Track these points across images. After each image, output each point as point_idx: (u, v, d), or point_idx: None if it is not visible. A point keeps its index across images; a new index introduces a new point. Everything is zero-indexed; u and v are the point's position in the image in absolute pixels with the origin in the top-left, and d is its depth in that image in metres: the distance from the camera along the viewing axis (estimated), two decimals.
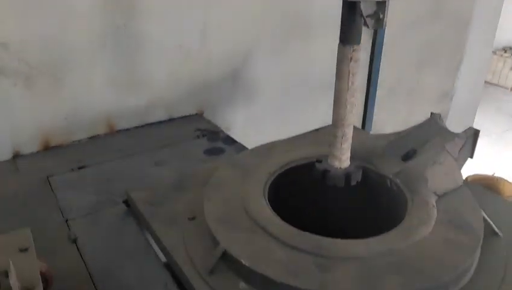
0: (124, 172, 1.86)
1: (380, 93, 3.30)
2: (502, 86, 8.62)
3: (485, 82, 5.00)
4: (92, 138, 2.16)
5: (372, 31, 3.08)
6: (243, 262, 1.17)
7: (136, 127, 2.27)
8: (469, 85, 4.01)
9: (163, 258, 1.37)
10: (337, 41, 1.36)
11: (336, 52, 1.37)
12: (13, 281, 0.89)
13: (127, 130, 2.25)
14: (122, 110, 2.21)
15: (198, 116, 2.45)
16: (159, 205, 1.51)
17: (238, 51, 2.50)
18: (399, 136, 1.70)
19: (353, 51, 1.34)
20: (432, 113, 1.71)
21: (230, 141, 2.15)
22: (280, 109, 2.77)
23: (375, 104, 3.33)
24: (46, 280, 1.14)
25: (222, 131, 2.27)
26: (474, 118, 4.31)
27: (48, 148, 2.04)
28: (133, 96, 2.22)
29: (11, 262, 0.89)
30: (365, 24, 1.27)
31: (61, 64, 1.98)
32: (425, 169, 1.48)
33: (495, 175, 3.89)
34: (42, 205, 1.63)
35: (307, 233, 1.26)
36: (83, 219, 1.55)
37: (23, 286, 0.93)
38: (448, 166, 1.50)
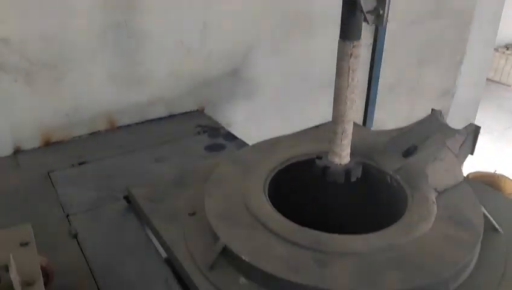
0: (124, 168, 1.87)
1: (381, 91, 3.29)
2: (503, 84, 8.60)
3: (487, 79, 4.99)
4: (92, 134, 2.16)
5: (374, 28, 3.08)
6: (243, 258, 1.17)
7: (137, 124, 2.27)
8: (470, 82, 4.00)
9: (163, 254, 1.37)
10: (337, 38, 1.36)
11: (336, 50, 1.37)
12: (13, 275, 0.89)
13: (128, 126, 2.25)
14: (123, 106, 2.21)
15: (199, 112, 2.45)
16: (160, 201, 1.51)
17: (239, 48, 2.50)
18: (400, 132, 1.70)
19: (353, 47, 1.34)
20: (432, 110, 1.71)
21: (231, 137, 2.16)
22: (280, 106, 2.77)
23: (376, 101, 3.33)
24: (46, 274, 1.14)
25: (223, 127, 2.27)
26: (476, 115, 4.31)
27: (48, 144, 2.05)
28: (134, 93, 2.23)
29: (11, 256, 0.90)
30: (365, 20, 1.27)
31: (62, 61, 1.98)
32: (426, 165, 1.48)
33: (496, 172, 3.89)
34: (43, 200, 1.64)
35: (306, 229, 1.26)
36: (84, 215, 1.56)
37: (23, 280, 0.94)
38: (448, 162, 1.50)
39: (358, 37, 1.34)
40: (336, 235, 1.24)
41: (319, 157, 1.53)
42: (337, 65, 1.39)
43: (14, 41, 1.84)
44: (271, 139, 1.78)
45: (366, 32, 3.04)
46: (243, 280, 1.18)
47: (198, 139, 2.15)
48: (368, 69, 3.20)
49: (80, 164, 1.89)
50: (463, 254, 1.18)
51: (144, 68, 2.21)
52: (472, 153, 1.65)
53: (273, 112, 2.74)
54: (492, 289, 1.15)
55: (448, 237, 1.24)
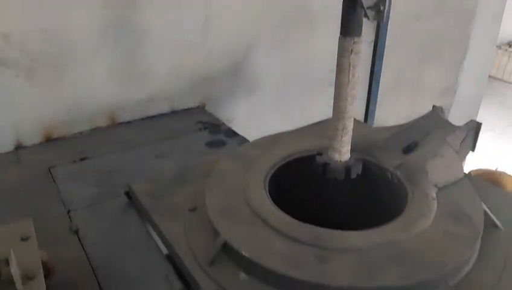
0: (125, 164, 1.87)
1: (382, 87, 3.29)
2: (506, 81, 8.57)
3: (489, 77, 4.98)
4: (93, 130, 2.16)
5: (375, 25, 3.07)
6: (243, 253, 1.18)
7: (138, 120, 2.28)
8: (473, 79, 3.99)
9: (164, 251, 1.37)
10: (339, 34, 1.36)
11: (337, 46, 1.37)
12: (14, 269, 0.90)
13: (129, 122, 2.25)
14: (124, 102, 2.21)
15: (200, 109, 2.45)
16: (160, 197, 1.51)
17: (240, 44, 2.50)
18: (400, 128, 1.70)
19: (354, 43, 1.34)
20: (433, 106, 1.71)
21: (232, 133, 2.16)
22: (281, 102, 2.77)
23: (378, 99, 3.33)
24: (47, 269, 1.15)
25: (224, 124, 2.27)
26: (478, 112, 4.30)
27: (49, 140, 2.05)
28: (135, 89, 2.23)
29: (11, 250, 0.90)
30: (366, 16, 1.26)
31: (63, 57, 1.98)
32: (426, 162, 1.47)
33: (498, 170, 3.89)
34: (44, 196, 1.64)
35: (307, 225, 1.26)
36: (85, 211, 1.56)
37: (24, 274, 0.94)
38: (449, 158, 1.50)
39: (359, 33, 1.34)
40: (336, 231, 1.24)
41: (319, 154, 1.53)
42: (337, 61, 1.38)
43: (15, 36, 1.84)
44: (272, 135, 1.78)
45: (368, 29, 3.04)
46: (243, 275, 1.18)
47: (199, 135, 2.15)
48: (369, 66, 3.19)
49: (81, 160, 1.89)
50: (463, 250, 1.18)
51: (145, 64, 2.21)
52: (473, 150, 1.65)
53: (274, 109, 2.74)
54: (492, 285, 1.15)
55: (448, 233, 1.24)
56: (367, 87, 3.25)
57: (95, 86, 2.11)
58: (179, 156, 1.94)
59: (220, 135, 2.15)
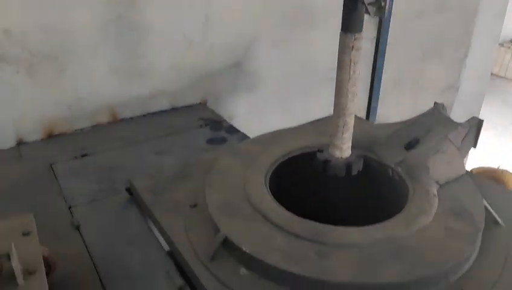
0: (126, 161, 1.87)
1: (384, 84, 3.28)
2: (509, 79, 8.54)
3: (492, 74, 4.96)
4: (94, 126, 2.17)
5: (377, 22, 3.07)
6: (244, 249, 1.18)
7: (139, 116, 2.28)
8: (475, 77, 3.98)
9: (165, 247, 1.38)
10: (339, 32, 1.35)
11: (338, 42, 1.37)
12: (15, 263, 0.90)
13: (130, 119, 2.25)
14: (125, 99, 2.22)
15: (202, 105, 2.45)
16: (161, 193, 1.52)
17: (241, 41, 2.50)
18: (402, 125, 1.69)
19: (355, 39, 1.33)
20: (435, 103, 1.71)
21: (233, 130, 2.16)
22: (283, 99, 2.77)
23: (380, 96, 3.32)
24: (49, 265, 1.15)
25: (225, 120, 2.27)
26: (480, 110, 4.29)
27: (51, 136, 2.06)
28: (136, 86, 2.23)
29: (13, 245, 0.90)
30: (367, 12, 1.26)
31: (63, 53, 1.98)
32: (428, 158, 1.47)
33: (500, 168, 3.88)
34: (45, 192, 1.65)
35: (307, 220, 1.26)
36: (86, 206, 1.57)
37: (25, 269, 0.94)
38: (450, 155, 1.50)
39: (360, 30, 1.34)
40: (336, 227, 1.24)
41: (320, 151, 1.53)
42: (338, 58, 1.38)
43: (15, 32, 1.85)
44: (272, 132, 1.78)
45: (370, 25, 3.03)
46: (243, 270, 1.18)
47: (200, 132, 2.15)
48: (371, 64, 3.19)
49: (82, 156, 1.90)
50: (463, 246, 1.18)
51: (146, 61, 2.21)
52: (475, 147, 1.65)
53: (275, 105, 2.74)
54: (493, 282, 1.15)
55: (448, 229, 1.24)
56: (369, 85, 3.24)
57: (96, 83, 2.11)
58: (180, 152, 1.94)
59: (221, 131, 2.15)
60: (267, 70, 2.64)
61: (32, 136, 2.02)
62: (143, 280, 1.26)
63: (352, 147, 1.51)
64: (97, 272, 1.28)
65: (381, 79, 3.23)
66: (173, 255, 1.32)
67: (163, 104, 2.34)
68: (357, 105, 1.45)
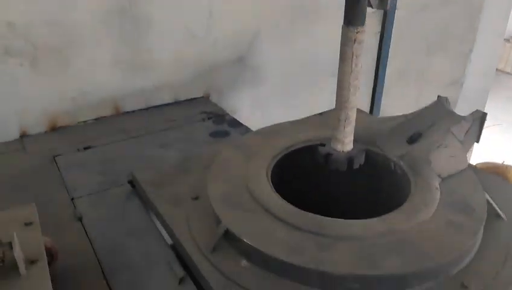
0: (129, 153, 1.88)
1: (388, 79, 3.27)
2: None
3: (497, 70, 4.94)
4: (98, 119, 2.18)
5: (382, 15, 3.05)
6: (245, 240, 1.18)
7: (142, 109, 2.28)
8: (480, 73, 3.96)
9: (167, 239, 1.38)
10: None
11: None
12: (17, 252, 0.91)
13: (133, 112, 2.26)
14: (128, 92, 2.22)
15: (204, 99, 2.45)
16: (164, 185, 1.52)
17: (244, 35, 2.49)
18: (405, 119, 1.69)
19: (357, 32, 1.32)
20: (438, 96, 1.69)
21: (236, 123, 2.16)
22: (286, 93, 2.76)
23: (384, 90, 3.31)
24: (51, 254, 1.16)
25: (228, 114, 2.27)
26: (485, 106, 4.26)
27: (54, 129, 2.07)
28: (139, 79, 2.23)
29: (15, 234, 0.91)
30: (369, 5, 1.26)
31: (67, 46, 1.99)
32: (430, 152, 1.47)
33: (504, 163, 3.86)
34: (48, 184, 1.66)
35: (308, 213, 1.26)
36: (89, 198, 1.58)
37: (27, 258, 0.95)
38: (453, 149, 1.49)
39: (363, 23, 1.33)
40: (337, 220, 1.24)
41: (322, 144, 1.53)
42: (340, 51, 1.37)
43: (19, 25, 1.85)
44: (274, 125, 1.78)
45: (374, 19, 3.02)
46: (244, 262, 1.19)
47: (203, 125, 2.15)
48: (376, 57, 3.18)
49: (85, 148, 1.91)
50: (464, 240, 1.18)
51: (149, 54, 2.21)
52: (478, 141, 1.64)
53: (278, 99, 2.73)
54: (493, 276, 1.14)
55: (450, 222, 1.23)
56: (373, 78, 3.23)
57: (99, 76, 2.12)
58: (183, 145, 1.94)
59: (223, 125, 2.15)
60: (270, 65, 2.64)
61: (35, 129, 2.03)
62: (145, 271, 1.26)
63: (354, 141, 1.50)
64: (99, 263, 1.29)
65: (385, 73, 3.22)
66: (175, 248, 1.33)
67: (166, 98, 2.35)
68: (359, 99, 1.44)
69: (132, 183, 1.62)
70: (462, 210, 1.28)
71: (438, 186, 1.38)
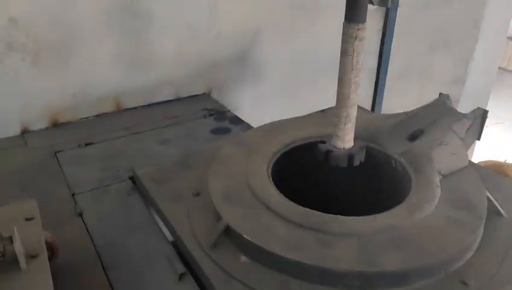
0: (130, 150, 1.88)
1: (390, 76, 3.26)
2: None
3: (500, 68, 4.92)
4: (99, 115, 2.18)
5: (384, 13, 3.04)
6: (245, 236, 1.18)
7: (144, 106, 2.29)
8: (482, 71, 3.94)
9: (168, 235, 1.38)
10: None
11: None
12: (18, 247, 0.91)
13: (134, 108, 2.26)
14: (130, 88, 2.22)
15: (206, 96, 2.45)
16: (164, 182, 1.53)
17: (247, 31, 2.49)
18: (406, 116, 1.69)
19: (358, 29, 1.32)
20: (440, 94, 1.69)
21: (237, 120, 2.16)
22: (288, 90, 2.76)
23: (385, 88, 3.30)
24: (51, 249, 1.17)
25: (229, 111, 2.27)
26: (487, 104, 4.25)
27: (56, 125, 2.07)
28: (141, 75, 2.23)
29: (15, 228, 0.91)
30: (370, 1, 1.25)
31: (69, 42, 1.99)
32: (431, 149, 1.47)
33: (506, 162, 3.86)
34: (49, 179, 1.66)
35: (308, 209, 1.27)
36: (89, 194, 1.58)
37: (27, 253, 0.95)
38: (454, 146, 1.49)
39: (364, 20, 1.32)
40: (337, 216, 1.24)
41: (323, 142, 1.53)
42: (341, 48, 1.37)
43: (21, 21, 1.85)
44: (276, 121, 1.78)
45: (376, 17, 3.01)
46: (244, 258, 1.19)
47: (204, 122, 2.15)
48: (377, 55, 3.17)
49: (87, 144, 1.91)
50: (464, 236, 1.18)
51: (151, 50, 2.21)
52: (479, 138, 1.64)
53: (279, 96, 2.73)
54: (493, 272, 1.14)
55: (450, 219, 1.23)
56: (375, 76, 3.22)
57: (101, 72, 2.12)
58: (184, 142, 1.94)
59: (225, 122, 2.15)
60: (272, 61, 2.64)
61: (37, 125, 2.03)
62: (145, 266, 1.26)
63: (355, 138, 1.50)
64: (99, 259, 1.29)
65: (387, 70, 3.21)
66: (176, 245, 1.33)
67: (168, 94, 2.35)
68: (360, 96, 1.44)
69: (133, 179, 1.62)
70: (462, 207, 1.28)
71: (439, 183, 1.38)
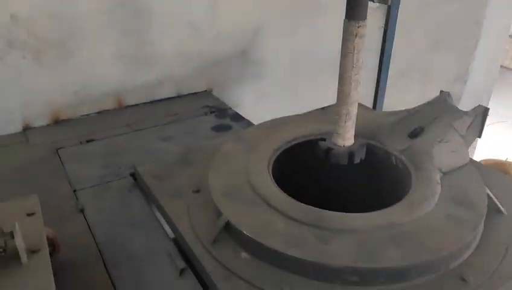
0: (131, 146, 1.89)
1: (392, 74, 3.26)
2: None
3: (502, 67, 4.90)
4: (100, 112, 2.18)
5: (386, 11, 3.04)
6: (245, 232, 1.19)
7: (145, 103, 2.29)
8: (484, 69, 3.93)
9: (169, 231, 1.39)
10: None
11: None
12: (19, 242, 0.91)
13: (136, 105, 2.27)
14: (131, 85, 2.23)
15: (207, 93, 2.46)
16: (165, 178, 1.53)
17: (247, 29, 2.49)
18: (407, 113, 1.69)
19: (359, 27, 1.32)
20: (441, 91, 1.70)
21: (238, 118, 2.16)
22: (288, 88, 2.76)
23: (387, 86, 3.30)
24: (53, 245, 1.17)
25: (230, 108, 2.27)
26: (489, 102, 4.24)
27: (57, 122, 2.08)
28: (142, 72, 2.24)
29: (16, 223, 0.92)
30: None
31: (70, 39, 1.99)
32: (432, 146, 1.47)
33: (508, 160, 3.86)
34: (51, 176, 1.67)
35: (308, 206, 1.27)
36: (91, 190, 1.58)
37: (28, 248, 0.96)
38: (455, 144, 1.49)
39: (364, 17, 1.33)
40: (337, 213, 1.24)
41: (323, 139, 1.53)
42: (342, 45, 1.37)
43: (22, 18, 1.86)
44: (276, 119, 1.78)
45: (378, 15, 3.01)
46: (244, 254, 1.19)
47: (205, 119, 2.16)
48: (379, 53, 3.16)
49: (88, 141, 1.91)
50: (464, 234, 1.18)
51: (152, 48, 2.21)
52: (480, 136, 1.64)
53: (280, 93, 2.73)
54: (493, 269, 1.14)
55: (450, 216, 1.23)
56: (376, 74, 3.22)
57: (102, 69, 2.13)
58: (185, 139, 1.95)
59: (226, 119, 2.15)
60: (273, 59, 2.64)
61: (38, 122, 2.04)
62: (146, 262, 1.27)
63: (356, 135, 1.51)
64: (100, 255, 1.30)
65: (388, 68, 3.21)
66: (177, 241, 1.34)
67: (169, 91, 2.35)
68: (361, 93, 1.44)
69: (134, 176, 1.63)
70: (462, 204, 1.28)
71: (439, 180, 1.38)
